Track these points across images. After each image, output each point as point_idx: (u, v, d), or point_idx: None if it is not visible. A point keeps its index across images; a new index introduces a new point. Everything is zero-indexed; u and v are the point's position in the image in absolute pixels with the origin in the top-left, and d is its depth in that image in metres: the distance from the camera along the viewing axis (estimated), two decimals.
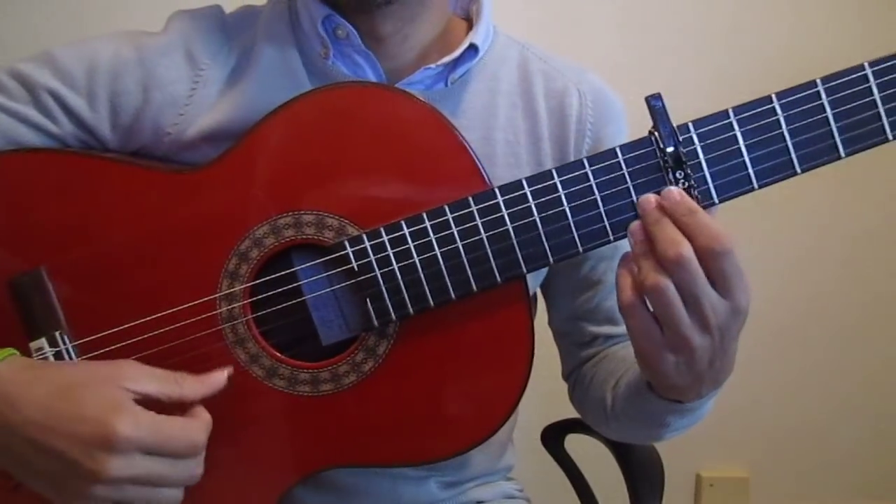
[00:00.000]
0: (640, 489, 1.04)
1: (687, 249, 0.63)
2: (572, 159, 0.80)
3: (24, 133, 0.80)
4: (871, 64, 0.65)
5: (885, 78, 0.65)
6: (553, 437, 1.17)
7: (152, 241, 0.77)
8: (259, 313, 0.76)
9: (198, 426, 0.68)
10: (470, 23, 0.88)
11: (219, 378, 0.71)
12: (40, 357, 0.75)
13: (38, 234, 0.78)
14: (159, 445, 0.65)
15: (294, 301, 0.75)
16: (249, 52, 0.84)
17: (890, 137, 0.66)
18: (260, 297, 0.76)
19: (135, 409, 0.65)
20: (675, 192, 0.66)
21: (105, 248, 0.77)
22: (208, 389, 0.70)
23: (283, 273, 0.75)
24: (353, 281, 0.73)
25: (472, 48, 0.84)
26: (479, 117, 0.85)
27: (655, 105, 0.65)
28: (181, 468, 0.66)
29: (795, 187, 1.74)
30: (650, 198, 0.67)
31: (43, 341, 0.76)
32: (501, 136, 0.85)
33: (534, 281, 0.90)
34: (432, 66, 0.82)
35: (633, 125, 0.86)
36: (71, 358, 0.75)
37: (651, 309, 0.67)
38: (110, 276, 0.77)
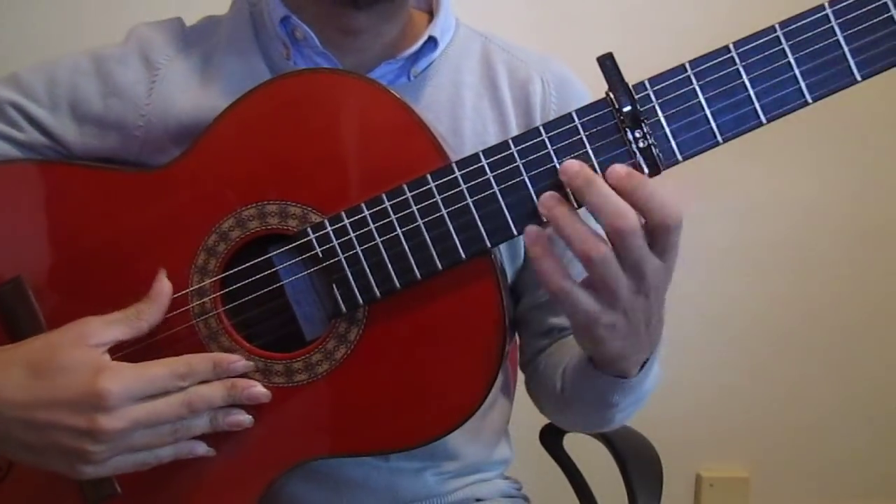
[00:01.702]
0: (639, 489, 0.96)
1: (635, 218, 0.57)
2: None
3: None
4: (831, 3, 0.56)
5: (847, 16, 0.56)
6: (551, 436, 1.09)
7: (123, 242, 0.72)
8: (229, 306, 0.69)
9: (179, 362, 0.65)
10: (431, 15, 0.83)
11: (163, 288, 0.68)
12: None
13: (14, 243, 0.73)
14: (147, 389, 0.63)
15: (263, 291, 0.69)
16: (211, 57, 0.80)
17: (858, 78, 0.56)
18: (230, 289, 0.69)
19: (113, 364, 0.63)
20: (619, 168, 0.59)
21: (78, 252, 0.73)
22: (162, 304, 0.67)
23: (247, 265, 0.68)
24: (318, 267, 0.66)
25: (432, 41, 0.79)
26: (445, 109, 0.79)
27: (607, 64, 0.58)
28: (172, 402, 0.64)
29: (798, 190, 1.66)
30: (574, 162, 0.60)
31: None
32: (469, 126, 0.79)
33: (511, 266, 0.83)
34: (392, 60, 0.77)
35: None
36: None
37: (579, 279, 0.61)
38: (86, 279, 0.72)
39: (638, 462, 0.98)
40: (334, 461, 0.77)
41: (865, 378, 1.74)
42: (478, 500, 0.88)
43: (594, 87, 0.86)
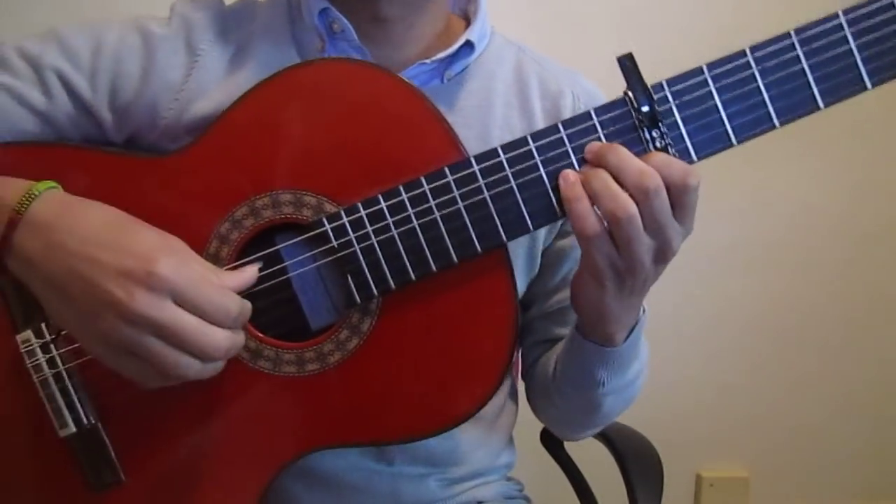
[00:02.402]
0: (639, 489, 0.99)
1: (658, 177, 0.61)
2: None
3: (12, 111, 0.77)
4: (845, 12, 0.60)
5: (860, 26, 0.60)
6: (553, 437, 1.12)
7: None
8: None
9: (234, 298, 0.64)
10: (468, 21, 0.85)
11: (250, 272, 0.68)
12: (27, 349, 0.71)
13: None
14: (193, 298, 0.61)
15: (277, 280, 0.71)
16: (246, 46, 0.81)
17: (869, 86, 0.61)
18: None
19: (183, 255, 0.63)
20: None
21: None
22: (241, 280, 0.67)
23: (263, 253, 0.71)
24: (333, 258, 0.69)
25: (468, 45, 0.81)
26: (475, 115, 0.82)
27: (626, 65, 0.61)
28: (205, 332, 0.62)
29: (798, 190, 1.69)
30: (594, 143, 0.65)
31: (29, 333, 0.71)
32: (498, 134, 0.82)
33: (526, 276, 0.86)
34: (427, 61, 0.79)
35: None
36: (56, 350, 0.71)
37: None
38: None
39: (638, 462, 1.01)
40: (338, 466, 0.81)
41: (865, 378, 1.79)
42: (480, 502, 0.90)
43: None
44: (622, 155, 0.63)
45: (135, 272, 0.60)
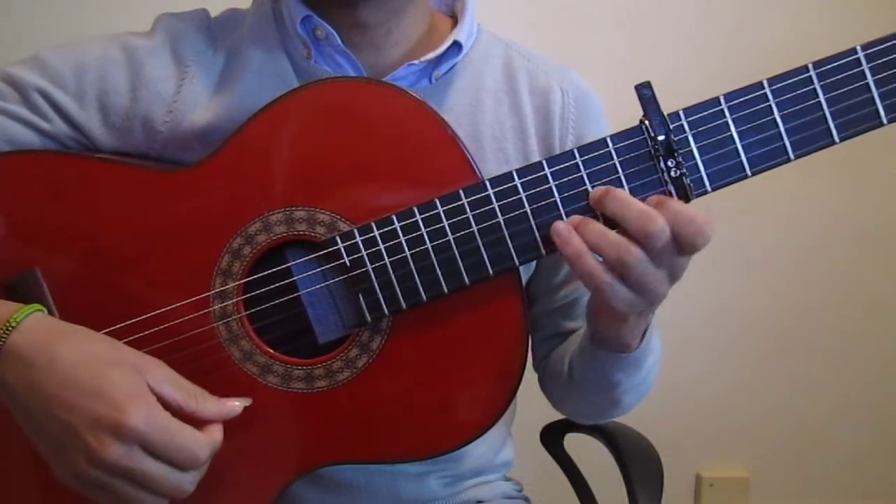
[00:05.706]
0: (639, 489, 1.02)
1: (661, 220, 0.64)
2: None
3: (18, 131, 0.80)
4: (864, 47, 0.63)
5: (878, 61, 0.63)
6: (552, 436, 1.16)
7: (145, 240, 0.76)
8: (252, 310, 0.75)
9: (205, 443, 0.67)
10: (455, 20, 0.88)
11: (234, 406, 0.71)
12: None
13: (32, 235, 0.77)
14: (163, 448, 0.65)
15: (287, 297, 0.74)
16: (237, 53, 0.84)
17: (885, 121, 0.64)
18: (253, 293, 0.74)
19: (153, 404, 0.65)
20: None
21: (98, 248, 0.77)
22: (221, 414, 0.70)
23: (275, 269, 0.74)
24: (345, 276, 0.72)
25: (456, 45, 0.84)
26: (465, 114, 0.84)
27: (645, 93, 0.64)
28: (174, 479, 0.66)
29: (798, 190, 1.72)
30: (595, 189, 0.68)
31: None
32: (489, 132, 0.84)
33: (524, 274, 0.88)
34: (416, 62, 0.82)
35: (630, 123, 0.86)
36: None
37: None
38: (104, 275, 0.76)
39: (638, 462, 1.04)
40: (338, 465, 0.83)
41: (865, 378, 1.83)
42: (479, 501, 0.94)
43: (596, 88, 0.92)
44: (622, 201, 0.65)
45: (106, 421, 0.63)
